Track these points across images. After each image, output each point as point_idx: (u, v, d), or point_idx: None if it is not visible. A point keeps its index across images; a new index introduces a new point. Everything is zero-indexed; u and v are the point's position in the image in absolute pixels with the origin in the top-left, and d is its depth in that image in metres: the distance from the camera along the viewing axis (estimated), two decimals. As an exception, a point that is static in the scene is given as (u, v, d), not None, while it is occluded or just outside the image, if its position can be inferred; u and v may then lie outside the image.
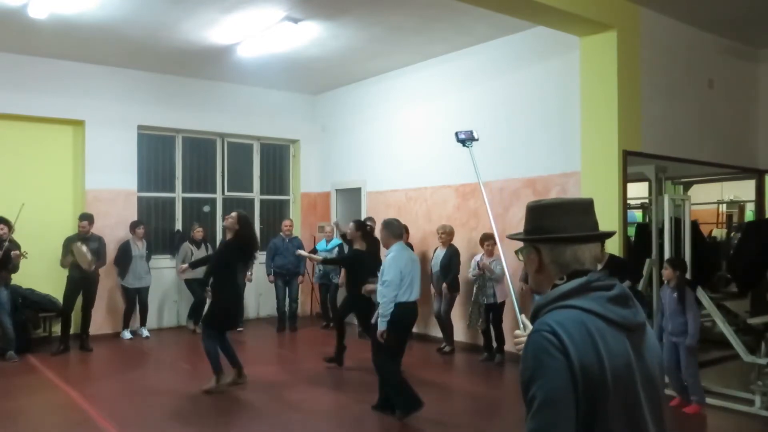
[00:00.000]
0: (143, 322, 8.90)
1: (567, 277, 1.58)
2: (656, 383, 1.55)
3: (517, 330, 2.08)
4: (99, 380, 6.87)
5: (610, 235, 1.75)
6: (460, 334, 8.05)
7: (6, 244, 7.34)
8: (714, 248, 8.82)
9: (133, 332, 8.82)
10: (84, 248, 7.72)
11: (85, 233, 8.02)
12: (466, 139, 2.86)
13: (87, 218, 8.12)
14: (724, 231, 10.03)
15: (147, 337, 8.76)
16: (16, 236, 7.51)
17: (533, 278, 1.70)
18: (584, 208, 1.66)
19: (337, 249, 9.44)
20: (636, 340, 1.52)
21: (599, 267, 1.66)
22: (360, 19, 7.06)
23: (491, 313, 7.29)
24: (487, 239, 7.33)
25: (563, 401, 1.38)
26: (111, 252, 8.65)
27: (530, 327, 1.99)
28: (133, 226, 8.76)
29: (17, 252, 7.38)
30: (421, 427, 5.18)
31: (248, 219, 6.33)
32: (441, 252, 7.92)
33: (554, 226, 1.62)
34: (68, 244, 7.95)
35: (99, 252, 8.10)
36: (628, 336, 1.49)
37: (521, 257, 1.77)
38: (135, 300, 8.77)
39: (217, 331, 6.08)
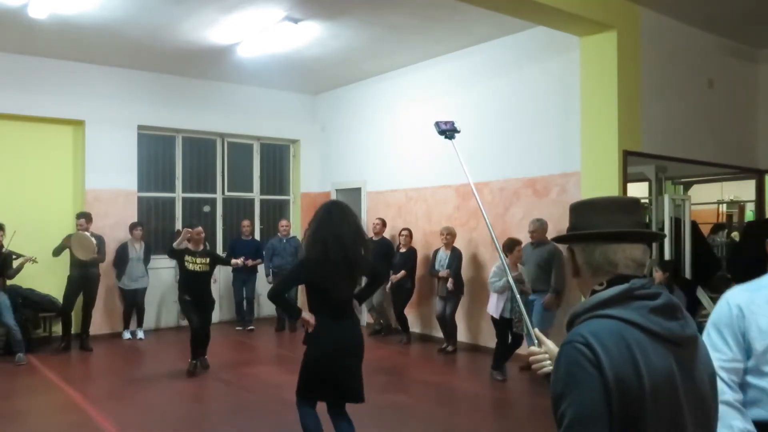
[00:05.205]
0: (140, 323, 8.89)
1: (607, 284, 1.46)
2: (707, 404, 1.43)
3: (532, 347, 1.86)
4: (99, 380, 6.87)
5: (652, 234, 1.62)
6: (461, 334, 8.05)
7: (4, 250, 7.33)
8: (714, 248, 8.81)
9: (132, 333, 8.83)
10: (88, 233, 7.67)
11: (83, 231, 8.01)
12: (448, 130, 2.50)
13: (84, 216, 8.11)
14: (725, 231, 10.02)
15: (141, 338, 8.76)
16: (16, 237, 7.49)
17: (576, 283, 1.58)
18: (623, 206, 1.55)
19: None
20: (684, 355, 1.39)
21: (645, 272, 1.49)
22: (360, 19, 7.06)
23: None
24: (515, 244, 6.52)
25: (596, 418, 1.27)
26: (110, 252, 8.65)
27: (546, 342, 1.83)
28: (132, 228, 8.75)
29: (27, 257, 7.35)
30: (422, 426, 5.18)
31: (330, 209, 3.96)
32: (444, 254, 7.88)
33: (584, 224, 1.53)
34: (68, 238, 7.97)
35: (99, 248, 8.09)
36: (675, 351, 1.37)
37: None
38: (132, 301, 8.77)
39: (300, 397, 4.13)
